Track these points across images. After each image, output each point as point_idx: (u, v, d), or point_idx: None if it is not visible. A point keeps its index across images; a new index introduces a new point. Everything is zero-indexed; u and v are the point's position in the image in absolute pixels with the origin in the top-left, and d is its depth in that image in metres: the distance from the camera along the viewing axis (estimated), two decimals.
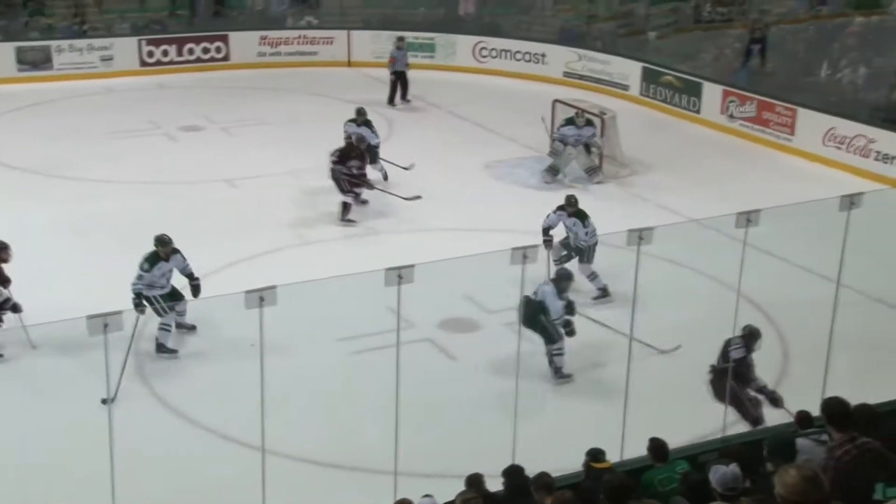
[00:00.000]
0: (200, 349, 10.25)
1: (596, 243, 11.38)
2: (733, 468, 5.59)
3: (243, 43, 22.33)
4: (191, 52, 22.11)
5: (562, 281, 10.08)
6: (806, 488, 3.86)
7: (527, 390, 7.60)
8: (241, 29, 22.76)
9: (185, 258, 10.18)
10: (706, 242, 12.81)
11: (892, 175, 15.09)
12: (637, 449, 7.26)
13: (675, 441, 7.00)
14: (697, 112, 18.73)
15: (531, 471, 6.48)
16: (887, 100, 16.99)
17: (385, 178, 14.42)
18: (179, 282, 10.29)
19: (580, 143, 15.22)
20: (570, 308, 9.92)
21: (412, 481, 7.36)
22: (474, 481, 6.58)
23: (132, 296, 9.92)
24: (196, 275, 10.21)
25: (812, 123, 16.70)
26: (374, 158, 14.41)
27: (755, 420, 8.66)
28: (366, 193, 13.84)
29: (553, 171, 15.22)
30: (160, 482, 8.14)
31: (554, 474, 6.50)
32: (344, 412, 9.32)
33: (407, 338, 9.33)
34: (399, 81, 19.47)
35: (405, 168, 14.56)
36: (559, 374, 9.90)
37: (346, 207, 13.49)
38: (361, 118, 14.68)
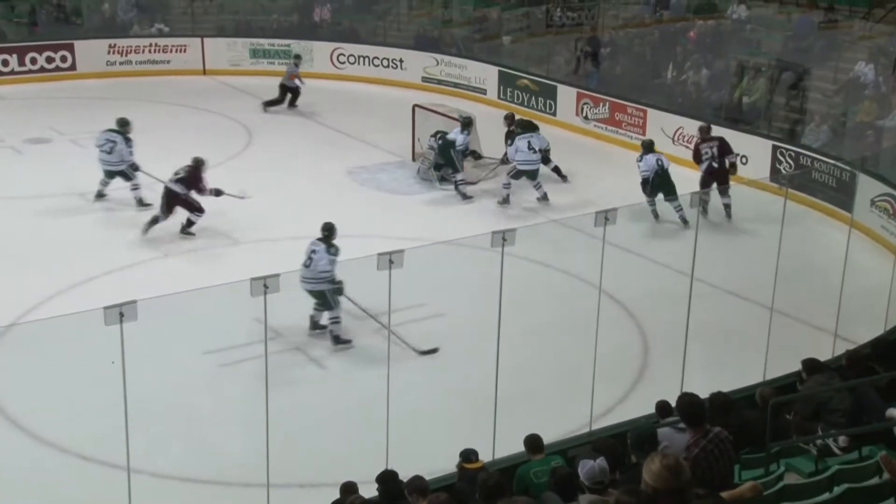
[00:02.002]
0: (58, 367, 9.82)
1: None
2: (601, 462, 5.75)
3: (90, 52, 21.49)
4: (34, 61, 21.14)
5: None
6: (668, 476, 4.01)
7: (398, 396, 7.62)
8: (88, 37, 21.92)
9: None
10: (567, 241, 13.16)
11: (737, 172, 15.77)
12: (508, 448, 7.39)
13: (544, 438, 7.13)
14: (554, 114, 19.16)
15: (405, 475, 6.52)
16: (729, 99, 17.80)
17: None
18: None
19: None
20: None
21: (285, 492, 7.30)
22: (349, 489, 6.58)
23: (332, 287, 9.95)
24: None
25: (662, 124, 17.34)
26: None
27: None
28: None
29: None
30: None
31: (427, 477, 6.54)
32: (213, 426, 9.12)
33: (275, 348, 9.26)
34: (291, 93, 19.39)
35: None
36: (685, 220, 12.98)
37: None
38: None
